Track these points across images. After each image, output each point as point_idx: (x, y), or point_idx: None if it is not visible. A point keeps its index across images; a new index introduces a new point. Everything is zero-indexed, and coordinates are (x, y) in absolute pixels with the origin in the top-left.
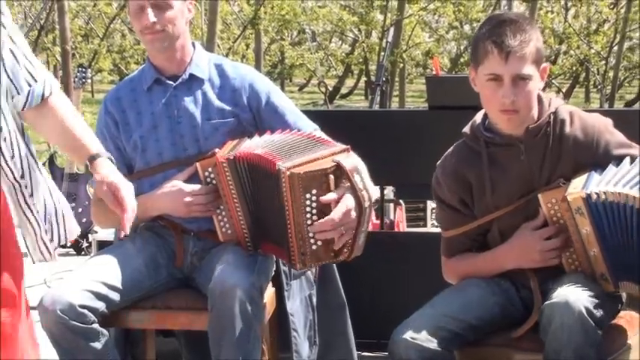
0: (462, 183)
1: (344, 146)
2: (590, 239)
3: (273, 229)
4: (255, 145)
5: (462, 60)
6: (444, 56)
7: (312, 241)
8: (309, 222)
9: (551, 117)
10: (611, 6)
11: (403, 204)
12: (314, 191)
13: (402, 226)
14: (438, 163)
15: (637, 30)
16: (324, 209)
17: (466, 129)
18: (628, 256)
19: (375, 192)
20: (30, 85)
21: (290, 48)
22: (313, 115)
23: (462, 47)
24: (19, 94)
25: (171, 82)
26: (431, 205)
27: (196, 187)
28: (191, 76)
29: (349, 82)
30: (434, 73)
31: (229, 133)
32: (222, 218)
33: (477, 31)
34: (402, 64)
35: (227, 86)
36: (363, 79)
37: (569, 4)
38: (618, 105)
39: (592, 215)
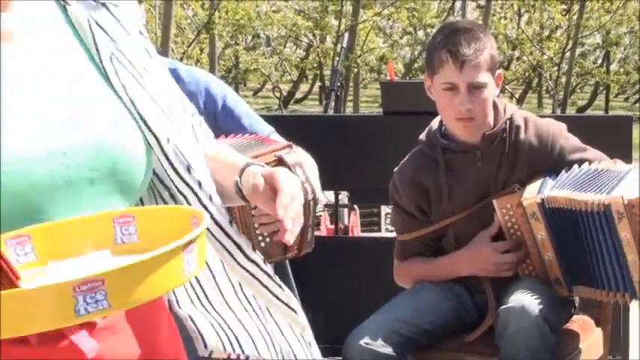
0: (419, 190)
1: (286, 142)
2: (544, 244)
3: None
4: None
5: (416, 65)
6: (399, 61)
7: (260, 238)
8: (253, 219)
9: (507, 123)
10: (564, 12)
11: (357, 209)
12: None
13: (357, 231)
14: (395, 169)
15: (589, 36)
16: None
17: (422, 136)
18: (582, 260)
19: (319, 188)
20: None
21: (244, 52)
22: (268, 120)
23: (416, 52)
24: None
25: None
26: (385, 210)
27: None
28: None
29: (304, 87)
30: (388, 78)
31: None
32: None
33: (431, 40)
34: (356, 69)
35: (184, 91)
36: (318, 84)
37: (522, 10)
38: (570, 110)
39: (547, 220)
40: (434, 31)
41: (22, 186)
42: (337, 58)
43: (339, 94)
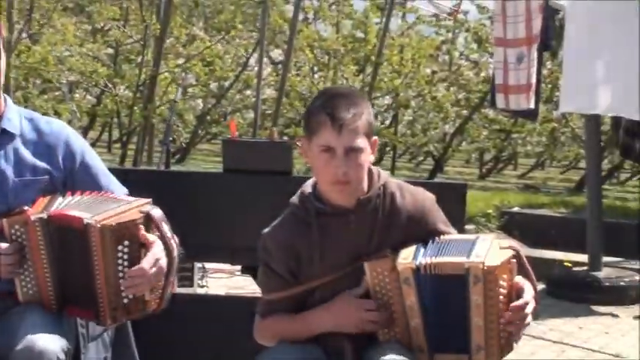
0: (291, 254)
1: (146, 200)
2: (412, 310)
3: (81, 291)
4: (67, 204)
5: (208, 117)
6: (190, 113)
7: (123, 294)
8: (120, 275)
9: (381, 189)
10: (357, 73)
11: None
12: (126, 242)
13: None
14: (267, 231)
15: (379, 98)
16: (135, 261)
17: (294, 199)
18: (446, 327)
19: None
20: None
21: (34, 96)
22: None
23: (208, 105)
24: None
25: None
26: (197, 265)
27: (4, 245)
28: (2, 130)
29: (92, 134)
30: (229, 136)
31: (41, 190)
32: (25, 278)
33: (311, 103)
34: (154, 120)
35: (42, 142)
36: (114, 132)
37: (316, 68)
38: None
39: (418, 286)
40: (227, 83)
41: None
42: (169, 113)
43: (170, 148)
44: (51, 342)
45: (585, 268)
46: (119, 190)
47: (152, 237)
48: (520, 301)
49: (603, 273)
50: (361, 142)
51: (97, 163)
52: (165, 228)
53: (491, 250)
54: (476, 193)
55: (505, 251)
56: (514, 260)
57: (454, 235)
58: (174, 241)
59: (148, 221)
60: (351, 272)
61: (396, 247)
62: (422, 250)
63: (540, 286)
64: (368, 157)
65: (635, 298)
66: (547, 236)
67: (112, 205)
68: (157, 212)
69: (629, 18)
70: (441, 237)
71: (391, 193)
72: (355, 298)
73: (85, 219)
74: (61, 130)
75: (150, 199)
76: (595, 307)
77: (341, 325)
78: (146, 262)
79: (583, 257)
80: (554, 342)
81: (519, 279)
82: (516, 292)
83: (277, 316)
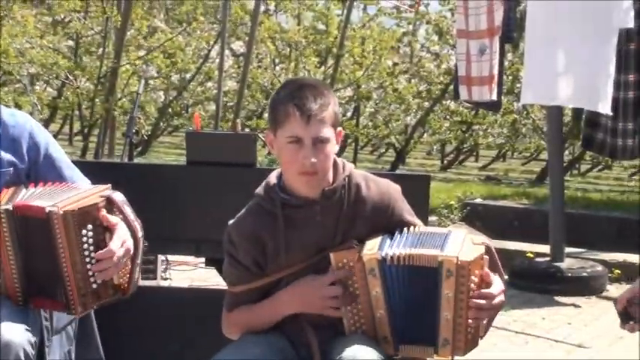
0: (257, 245)
1: (106, 185)
2: (378, 301)
3: (48, 281)
4: (31, 195)
5: (169, 110)
6: (151, 105)
7: (92, 279)
8: (87, 259)
9: (346, 180)
10: (319, 65)
11: None
12: (89, 226)
13: None
14: (232, 222)
15: (341, 90)
16: (100, 244)
17: (260, 190)
18: (412, 319)
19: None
20: None
21: None
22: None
23: (170, 97)
24: None
25: None
26: (160, 257)
27: None
28: None
29: (53, 127)
30: (191, 128)
31: (6, 183)
32: None
33: (276, 94)
34: (115, 112)
35: (6, 135)
36: (75, 124)
37: (277, 60)
38: None
39: (384, 277)
40: (189, 75)
41: None
42: (132, 105)
43: (133, 141)
44: (17, 334)
45: (548, 258)
46: (83, 181)
47: (115, 219)
48: (493, 288)
49: (565, 264)
50: (328, 132)
51: (61, 155)
52: (128, 210)
53: (464, 245)
54: (438, 184)
55: (478, 247)
56: (486, 257)
57: (425, 227)
58: (137, 223)
59: (110, 205)
60: (318, 263)
61: (361, 238)
62: (388, 240)
63: None
64: (334, 148)
65: (597, 288)
66: (509, 227)
67: (73, 192)
68: (118, 196)
69: (589, 9)
70: (411, 229)
71: (356, 183)
72: (318, 276)
73: (47, 207)
74: (25, 122)
75: (109, 185)
76: (558, 298)
77: (305, 302)
78: (113, 244)
79: (545, 248)
80: (517, 332)
81: (489, 273)
82: (486, 288)
83: (244, 307)
